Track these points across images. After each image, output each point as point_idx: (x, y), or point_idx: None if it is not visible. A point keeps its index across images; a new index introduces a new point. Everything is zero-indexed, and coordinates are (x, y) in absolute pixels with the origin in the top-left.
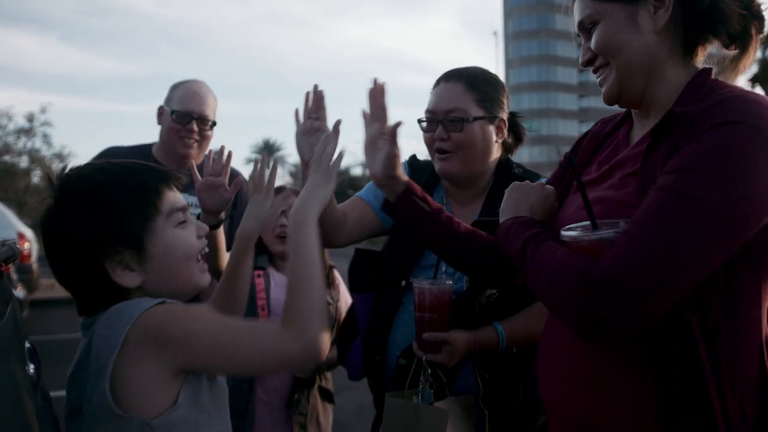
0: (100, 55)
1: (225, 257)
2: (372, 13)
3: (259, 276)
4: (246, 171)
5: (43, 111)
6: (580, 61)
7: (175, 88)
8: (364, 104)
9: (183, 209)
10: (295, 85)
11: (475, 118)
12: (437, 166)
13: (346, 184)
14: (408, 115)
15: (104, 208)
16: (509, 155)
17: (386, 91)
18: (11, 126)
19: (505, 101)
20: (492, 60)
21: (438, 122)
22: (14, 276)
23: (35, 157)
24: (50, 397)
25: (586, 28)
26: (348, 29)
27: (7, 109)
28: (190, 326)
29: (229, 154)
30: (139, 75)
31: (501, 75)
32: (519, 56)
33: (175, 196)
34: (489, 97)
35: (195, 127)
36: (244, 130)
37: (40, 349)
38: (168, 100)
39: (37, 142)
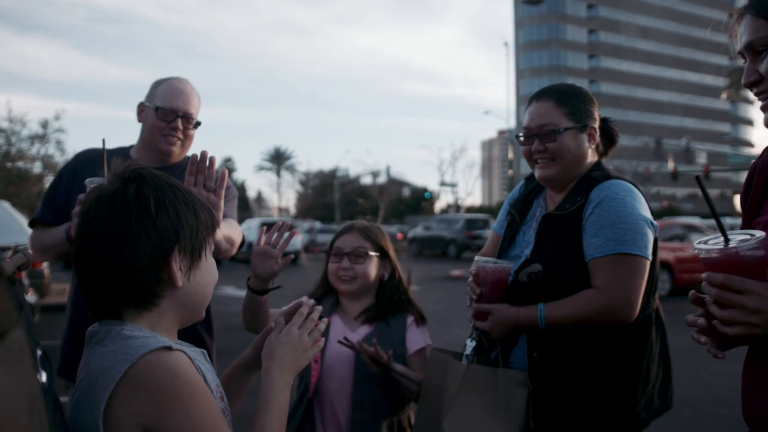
0: (111, 62)
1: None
2: (379, 22)
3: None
4: (258, 178)
5: (57, 118)
6: (742, 81)
7: (158, 84)
8: (371, 112)
9: None
10: (304, 93)
11: (566, 129)
12: (537, 174)
13: (356, 192)
14: (414, 123)
15: (190, 207)
16: (604, 157)
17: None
18: (25, 132)
19: (593, 110)
20: (502, 70)
21: (533, 136)
22: (26, 281)
23: (48, 163)
24: (60, 403)
25: (755, 49)
26: (355, 38)
27: (22, 115)
28: (185, 402)
29: (212, 160)
30: (148, 82)
31: (512, 85)
32: (530, 66)
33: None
34: (577, 108)
35: (180, 125)
36: (255, 138)
37: (51, 355)
38: (151, 96)
39: (51, 149)
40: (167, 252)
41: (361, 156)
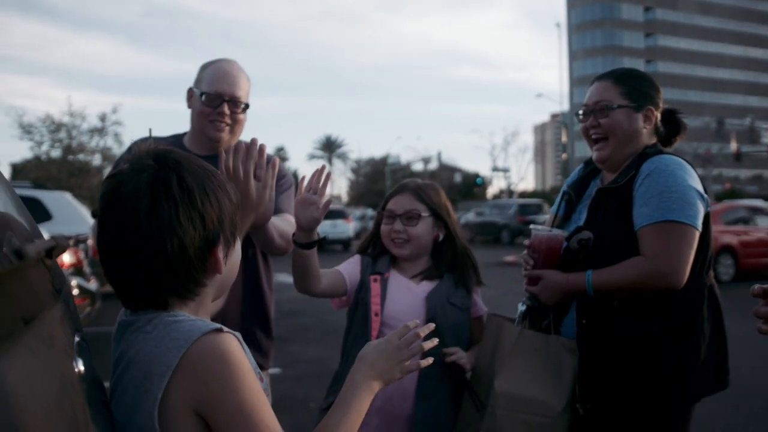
0: (165, 56)
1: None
2: (428, 7)
3: (375, 281)
4: (310, 167)
5: (114, 111)
6: None
7: (204, 68)
8: (422, 98)
9: None
10: (354, 81)
11: (620, 106)
12: (594, 156)
13: (407, 179)
14: (464, 109)
15: (225, 191)
16: (668, 146)
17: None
18: (85, 126)
19: (653, 94)
20: (555, 52)
21: (590, 113)
22: (87, 269)
23: (107, 155)
24: (104, 390)
25: None
26: (404, 24)
27: (81, 110)
28: (235, 385)
29: (262, 147)
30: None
31: (565, 67)
32: (583, 47)
33: None
34: (635, 89)
35: (226, 110)
36: (307, 127)
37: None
38: (198, 81)
39: (109, 141)
40: (213, 242)
41: (412, 142)
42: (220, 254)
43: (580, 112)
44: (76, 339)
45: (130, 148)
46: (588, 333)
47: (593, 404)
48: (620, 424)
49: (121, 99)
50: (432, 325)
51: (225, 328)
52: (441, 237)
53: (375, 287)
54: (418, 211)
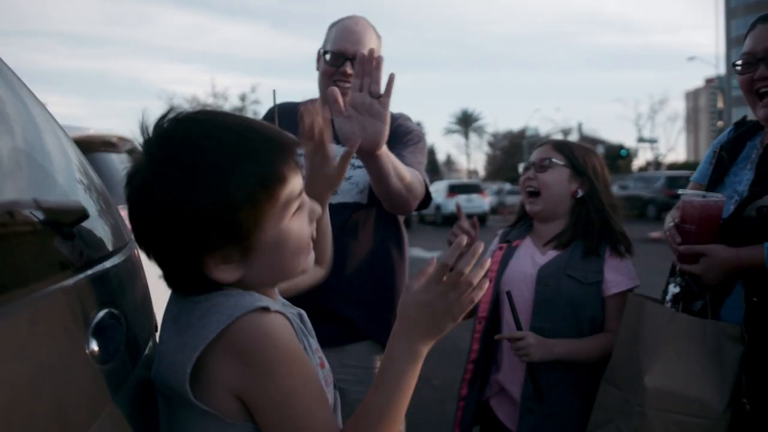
0: (303, 37)
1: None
2: None
3: (500, 249)
4: (446, 141)
5: (253, 90)
6: None
7: (331, 27)
8: (560, 67)
9: (300, 193)
10: (490, 53)
11: None
12: (761, 112)
13: None
14: (606, 77)
15: (212, 191)
16: None
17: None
18: (227, 106)
19: None
20: (708, 11)
21: (758, 61)
22: None
23: None
24: (128, 372)
25: None
26: None
27: (224, 91)
28: (280, 371)
29: (391, 78)
30: None
31: (721, 27)
32: (744, 2)
33: (295, 180)
34: None
35: (349, 69)
36: (443, 101)
37: None
38: (324, 42)
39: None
40: (196, 253)
41: (551, 114)
42: (217, 261)
43: (739, 62)
44: (99, 316)
45: (265, 116)
46: (760, 311)
47: (763, 400)
48: None
49: (259, 80)
50: (481, 245)
51: (274, 306)
52: (580, 194)
53: (496, 256)
54: (550, 158)
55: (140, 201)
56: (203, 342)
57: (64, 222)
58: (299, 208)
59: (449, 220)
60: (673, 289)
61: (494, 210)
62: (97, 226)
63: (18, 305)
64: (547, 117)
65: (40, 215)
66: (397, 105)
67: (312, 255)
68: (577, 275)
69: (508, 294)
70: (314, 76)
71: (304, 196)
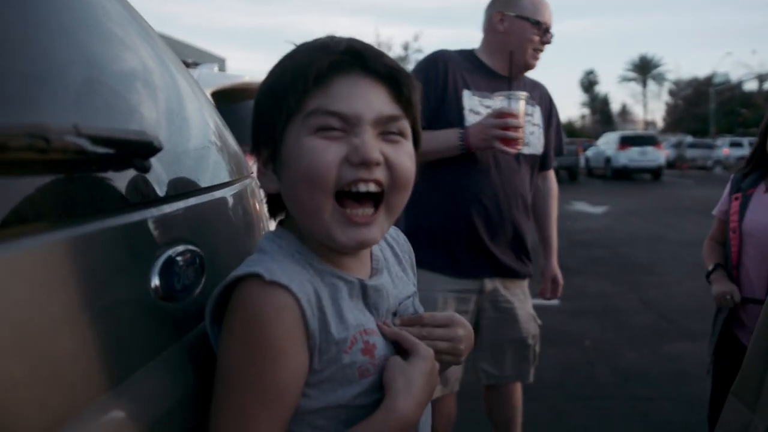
0: None
1: None
2: None
3: (736, 199)
4: (621, 90)
5: (415, 39)
6: None
7: None
8: (760, 3)
9: (346, 116)
10: None
11: None
12: None
13: (737, 101)
14: None
15: (263, 85)
16: None
17: None
18: (391, 55)
19: None
20: None
21: None
22: None
23: None
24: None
25: None
26: None
27: (388, 40)
28: (236, 345)
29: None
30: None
31: None
32: None
33: (340, 91)
34: None
35: (550, 40)
36: (618, 48)
37: None
38: (513, 5)
39: (410, 67)
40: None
41: (745, 58)
42: (264, 158)
43: None
44: (167, 255)
45: (435, 58)
46: None
47: None
48: None
49: (423, 29)
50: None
51: (280, 277)
52: None
53: (734, 205)
54: None
55: None
56: (212, 300)
57: (130, 154)
58: (332, 131)
59: (619, 173)
60: None
61: (671, 164)
62: (185, 160)
63: (62, 236)
64: (740, 61)
65: (96, 144)
66: (567, 55)
67: (365, 228)
68: None
69: None
70: (469, 24)
71: (357, 126)
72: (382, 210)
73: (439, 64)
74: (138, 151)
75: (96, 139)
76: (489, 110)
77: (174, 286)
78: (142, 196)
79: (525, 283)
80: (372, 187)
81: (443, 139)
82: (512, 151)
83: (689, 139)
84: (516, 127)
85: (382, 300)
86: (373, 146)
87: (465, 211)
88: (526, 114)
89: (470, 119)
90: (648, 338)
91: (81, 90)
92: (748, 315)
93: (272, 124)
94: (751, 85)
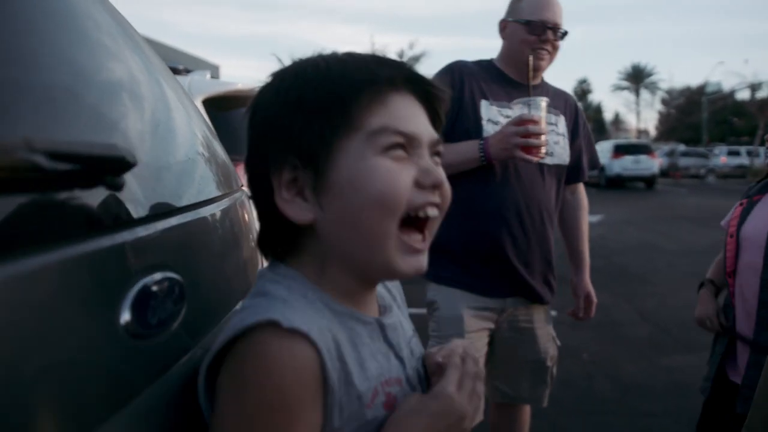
0: None
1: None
2: None
3: (741, 204)
4: (614, 99)
5: (411, 47)
6: None
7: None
8: (751, 13)
9: (411, 137)
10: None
11: None
12: None
13: (729, 110)
14: None
15: (290, 94)
16: None
17: None
18: None
19: None
20: None
21: None
22: None
23: None
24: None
25: None
26: None
27: (382, 48)
28: (241, 403)
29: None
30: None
31: None
32: None
33: (399, 110)
34: None
35: (551, 37)
36: (611, 56)
37: None
38: (514, 11)
39: None
40: (264, 170)
41: (737, 67)
42: (286, 180)
43: None
44: (139, 285)
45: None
46: None
47: None
48: None
49: (418, 37)
50: None
51: (296, 323)
52: None
53: (737, 210)
54: None
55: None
56: (212, 352)
57: (99, 171)
58: (403, 153)
59: (613, 182)
60: None
61: (664, 173)
62: (166, 175)
63: (26, 266)
64: (733, 70)
65: (55, 160)
66: (559, 61)
67: (420, 255)
68: None
69: None
70: (473, 33)
71: (428, 149)
72: (428, 236)
73: (454, 74)
74: (109, 167)
75: (54, 155)
76: (508, 119)
77: (148, 320)
78: (114, 218)
79: (548, 307)
80: (435, 212)
81: (462, 151)
82: (534, 159)
83: (682, 147)
84: (537, 134)
85: (399, 337)
86: (440, 169)
87: (485, 226)
88: (549, 123)
89: (489, 129)
90: (646, 350)
91: (41, 98)
92: (739, 353)
93: (309, 141)
94: (743, 95)
